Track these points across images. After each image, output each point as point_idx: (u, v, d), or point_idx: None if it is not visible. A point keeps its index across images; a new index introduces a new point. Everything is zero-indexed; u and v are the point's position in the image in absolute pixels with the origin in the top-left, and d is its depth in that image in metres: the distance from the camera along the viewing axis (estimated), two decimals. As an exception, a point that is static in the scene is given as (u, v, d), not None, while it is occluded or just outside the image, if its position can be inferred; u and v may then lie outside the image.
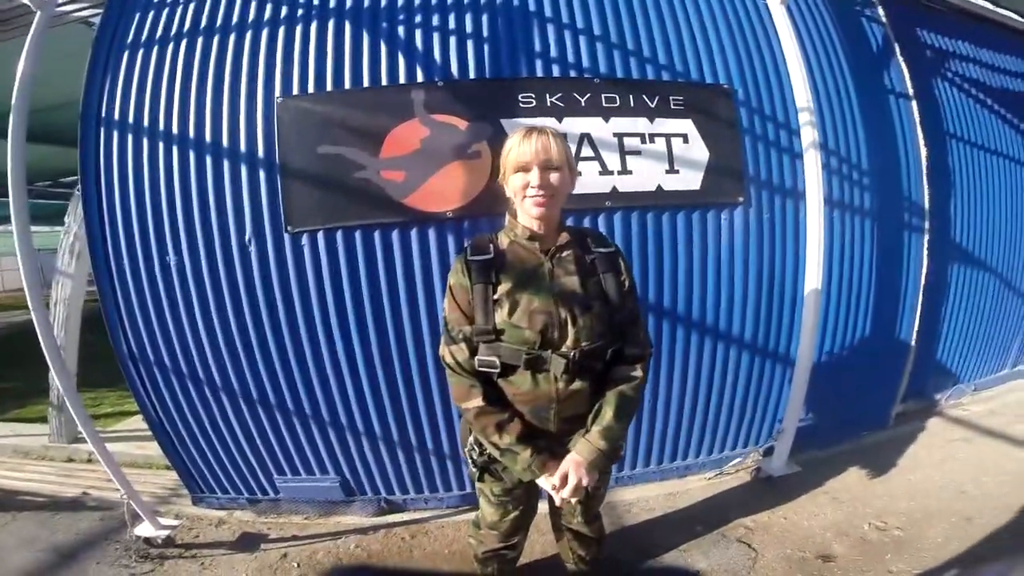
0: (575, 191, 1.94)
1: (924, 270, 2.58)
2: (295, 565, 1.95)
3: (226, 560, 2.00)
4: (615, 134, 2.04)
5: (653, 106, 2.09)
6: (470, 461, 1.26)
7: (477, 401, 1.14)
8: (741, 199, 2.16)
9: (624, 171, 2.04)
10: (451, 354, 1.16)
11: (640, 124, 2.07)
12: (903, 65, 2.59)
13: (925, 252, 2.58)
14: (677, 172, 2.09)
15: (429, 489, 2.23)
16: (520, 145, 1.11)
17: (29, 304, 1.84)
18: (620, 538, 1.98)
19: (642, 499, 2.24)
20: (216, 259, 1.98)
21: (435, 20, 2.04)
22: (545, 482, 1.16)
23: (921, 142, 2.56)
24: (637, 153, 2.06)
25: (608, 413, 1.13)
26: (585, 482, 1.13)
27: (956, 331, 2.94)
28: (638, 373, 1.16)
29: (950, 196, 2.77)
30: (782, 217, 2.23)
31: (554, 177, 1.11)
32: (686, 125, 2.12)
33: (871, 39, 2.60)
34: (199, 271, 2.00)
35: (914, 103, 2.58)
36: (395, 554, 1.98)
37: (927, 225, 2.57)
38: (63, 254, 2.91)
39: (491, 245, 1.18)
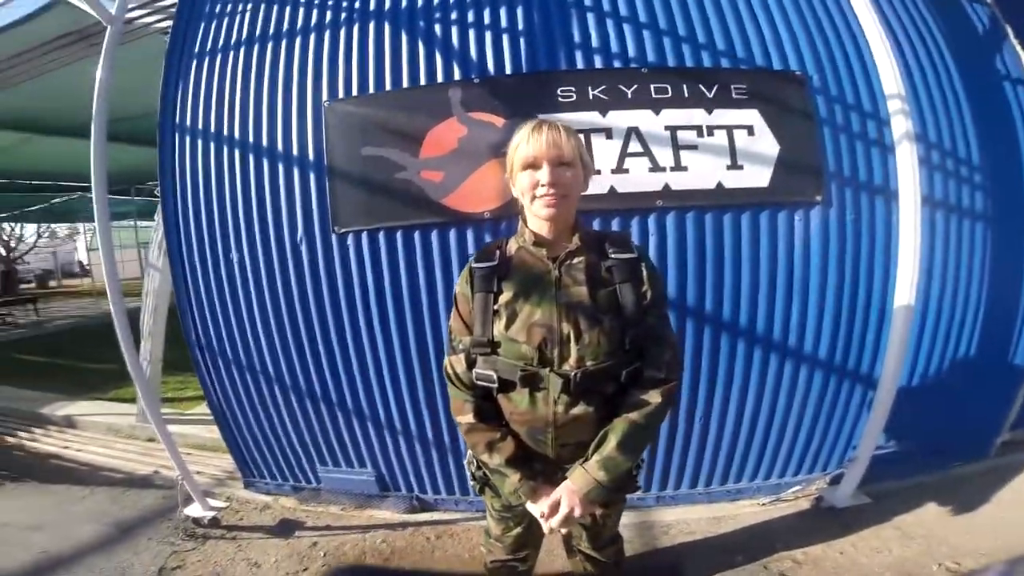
0: (621, 190, 1.91)
1: (1050, 282, 2.16)
2: (322, 554, 2.01)
3: (261, 544, 2.10)
4: (667, 127, 1.89)
5: (711, 96, 1.90)
6: (469, 475, 1.21)
7: (469, 417, 1.08)
8: (819, 198, 1.92)
9: (678, 167, 1.88)
10: (451, 365, 1.11)
11: (696, 116, 1.89)
12: (1018, 49, 2.21)
13: (1052, 261, 2.15)
14: (741, 168, 1.89)
15: (460, 491, 2.22)
16: (528, 140, 1.00)
17: (108, 296, 2.04)
18: (647, 561, 1.85)
19: (682, 521, 2.08)
20: (272, 257, 2.10)
21: (471, 16, 2.00)
22: (534, 509, 1.06)
23: (1046, 133, 2.15)
24: (693, 148, 1.89)
25: (612, 442, 1.00)
26: (577, 513, 1.01)
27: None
28: (655, 399, 1.01)
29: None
30: (870, 219, 1.95)
31: (566, 174, 1.00)
32: (751, 116, 1.91)
33: (974, 20, 2.25)
34: (257, 268, 2.13)
35: (1034, 90, 2.17)
36: (416, 553, 2.00)
37: (1055, 230, 2.14)
38: (153, 248, 3.25)
39: (498, 251, 1.09)
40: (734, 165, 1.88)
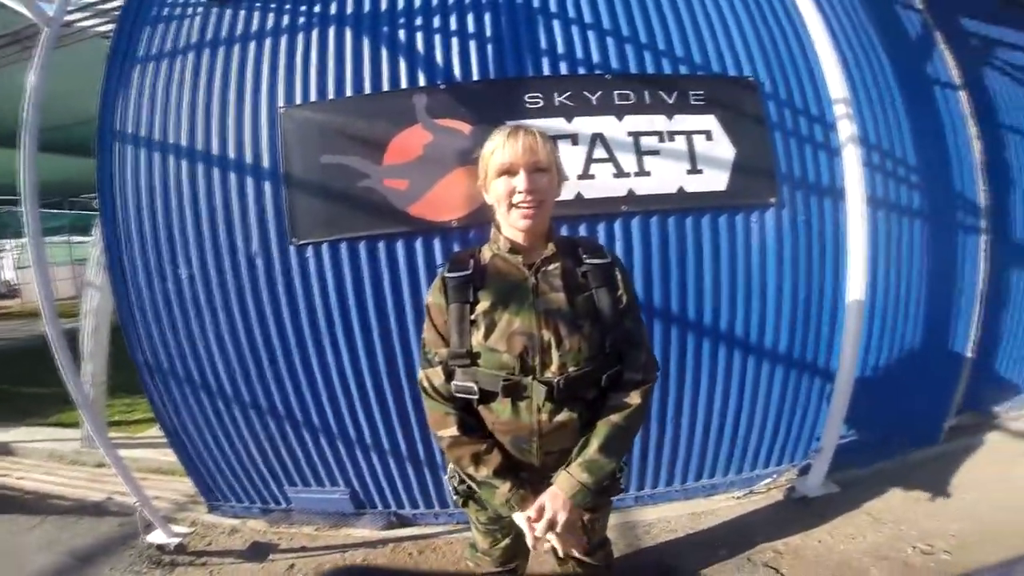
0: (587, 196, 1.93)
1: (982, 274, 2.34)
2: (301, 576, 1.93)
3: (233, 569, 2.00)
4: (630, 133, 1.92)
5: (671, 102, 1.95)
6: (451, 489, 1.17)
7: (452, 430, 1.04)
8: (773, 200, 2.00)
9: (641, 172, 1.92)
10: (427, 378, 1.07)
11: (658, 122, 1.94)
12: (947, 54, 2.39)
13: (983, 254, 2.34)
14: (700, 172, 1.95)
15: (439, 504, 2.17)
16: (504, 145, 0.98)
17: (44, 316, 1.88)
18: (635, 562, 1.87)
19: (663, 519, 2.11)
20: (225, 271, 1.99)
21: (436, 22, 1.98)
22: (521, 518, 1.04)
23: (974, 135, 2.34)
24: (655, 153, 1.93)
25: (593, 444, 1.01)
26: (561, 518, 1.00)
27: (1019, 338, 2.66)
28: (634, 400, 1.02)
29: (1009, 192, 2.52)
30: (820, 218, 2.05)
31: (542, 180, 0.99)
32: (709, 121, 1.98)
33: (908, 27, 2.42)
34: (209, 283, 2.01)
35: (962, 93, 2.37)
36: (400, 570, 1.94)
37: (984, 225, 2.33)
38: (92, 265, 3.01)
39: (471, 260, 1.07)
40: (694, 169, 1.94)
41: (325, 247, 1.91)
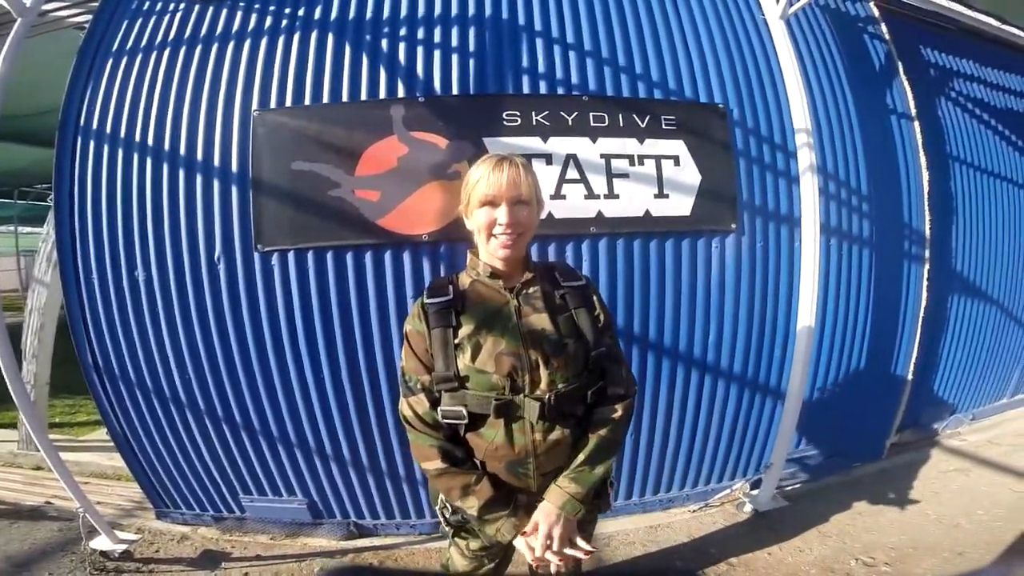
0: (558, 216, 1.95)
1: (924, 301, 2.50)
2: (255, 584, 1.89)
3: None
4: (603, 155, 1.97)
5: (643, 126, 2.01)
6: (442, 520, 1.16)
7: (437, 463, 1.03)
8: (734, 226, 2.08)
9: (611, 195, 1.96)
10: (409, 406, 1.05)
11: (629, 145, 1.99)
12: (906, 84, 2.51)
13: (925, 282, 2.49)
14: (667, 197, 2.01)
15: (400, 515, 2.15)
16: (489, 177, 1.00)
17: None
18: (595, 574, 1.90)
19: (622, 531, 2.16)
20: (185, 276, 1.92)
21: (420, 33, 1.97)
22: (521, 543, 1.04)
23: (923, 165, 2.48)
24: (625, 176, 1.98)
25: (580, 457, 1.04)
26: (556, 533, 1.01)
27: (955, 361, 2.84)
28: (617, 414, 1.06)
29: (952, 223, 2.69)
30: (776, 245, 2.15)
31: (523, 213, 1.02)
32: (678, 146, 2.04)
33: (874, 57, 2.52)
34: (167, 287, 1.94)
35: (916, 124, 2.49)
36: (399, 570, 1.94)
37: (927, 254, 2.48)
38: (40, 262, 2.87)
39: (451, 286, 1.08)
40: (661, 194, 2.00)
41: (291, 255, 1.88)
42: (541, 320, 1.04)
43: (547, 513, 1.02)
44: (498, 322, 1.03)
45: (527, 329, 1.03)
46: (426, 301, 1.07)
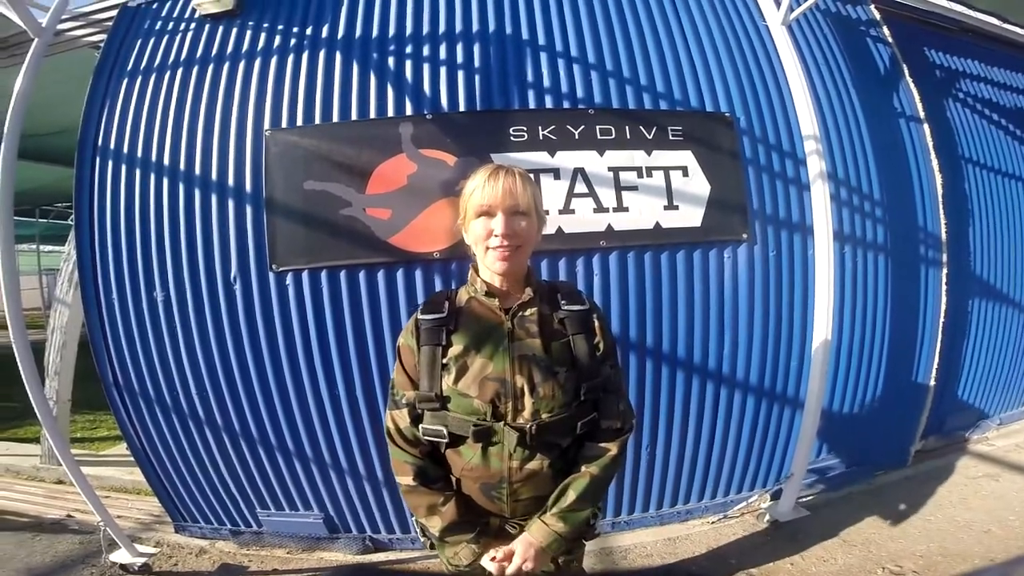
0: (568, 231, 1.95)
1: (943, 305, 2.45)
2: (272, 599, 1.90)
3: None
4: (610, 168, 1.97)
5: (650, 137, 2.01)
6: (419, 533, 1.14)
7: (409, 479, 1.01)
8: (746, 236, 2.06)
9: (620, 208, 1.96)
10: (392, 419, 1.04)
11: (637, 157, 1.99)
12: (912, 87, 2.48)
13: (944, 286, 2.44)
14: (676, 208, 2.00)
15: (416, 529, 2.14)
16: (484, 187, 0.96)
17: (10, 327, 1.82)
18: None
19: (639, 544, 2.13)
20: (202, 296, 1.96)
21: (426, 50, 2.00)
22: (488, 562, 0.98)
23: (936, 168, 2.44)
24: (634, 188, 1.98)
25: (571, 495, 0.99)
26: (530, 567, 0.98)
27: (979, 365, 2.78)
28: (612, 451, 1.01)
29: (968, 225, 2.65)
30: (789, 254, 2.13)
31: (521, 224, 0.97)
32: (686, 157, 2.03)
33: (878, 61, 2.50)
34: (185, 307, 1.98)
35: (926, 126, 2.46)
36: (401, 571, 1.94)
37: (944, 257, 2.44)
38: (62, 282, 2.93)
39: (447, 302, 1.04)
40: (670, 206, 1.99)
41: (305, 275, 1.90)
42: (533, 344, 1.00)
43: (527, 546, 0.99)
44: (489, 343, 1.00)
45: (518, 353, 0.99)
46: (420, 317, 1.04)
